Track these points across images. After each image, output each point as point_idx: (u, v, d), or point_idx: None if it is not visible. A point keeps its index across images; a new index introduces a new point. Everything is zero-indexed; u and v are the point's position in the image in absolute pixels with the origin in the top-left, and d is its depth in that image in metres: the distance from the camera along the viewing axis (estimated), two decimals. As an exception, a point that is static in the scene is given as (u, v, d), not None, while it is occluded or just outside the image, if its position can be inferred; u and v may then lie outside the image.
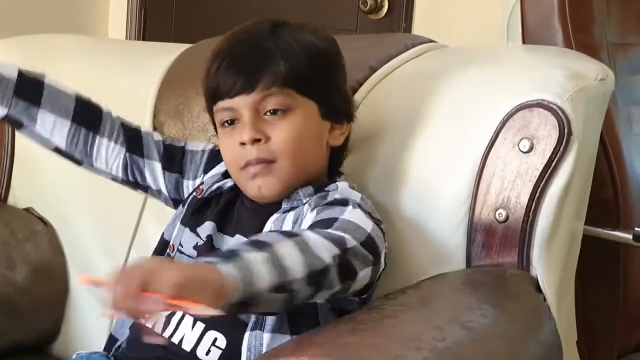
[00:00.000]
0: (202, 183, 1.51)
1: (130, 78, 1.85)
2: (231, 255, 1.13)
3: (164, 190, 1.55)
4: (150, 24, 3.20)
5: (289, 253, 1.16)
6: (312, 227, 1.28)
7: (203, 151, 1.56)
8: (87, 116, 1.53)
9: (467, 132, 1.44)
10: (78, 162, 1.56)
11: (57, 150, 1.53)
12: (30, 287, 1.74)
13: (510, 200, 1.38)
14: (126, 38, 3.16)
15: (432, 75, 1.55)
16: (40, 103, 1.49)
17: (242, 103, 1.38)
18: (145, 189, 1.57)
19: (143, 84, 1.81)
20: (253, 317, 1.33)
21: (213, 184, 1.50)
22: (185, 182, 1.55)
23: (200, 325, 1.37)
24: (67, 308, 1.79)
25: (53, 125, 1.50)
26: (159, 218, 1.65)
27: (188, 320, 1.37)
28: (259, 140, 1.37)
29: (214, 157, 1.54)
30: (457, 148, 1.45)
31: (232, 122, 1.40)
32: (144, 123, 1.78)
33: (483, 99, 1.45)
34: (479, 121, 1.43)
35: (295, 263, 1.16)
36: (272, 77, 1.36)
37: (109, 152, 1.53)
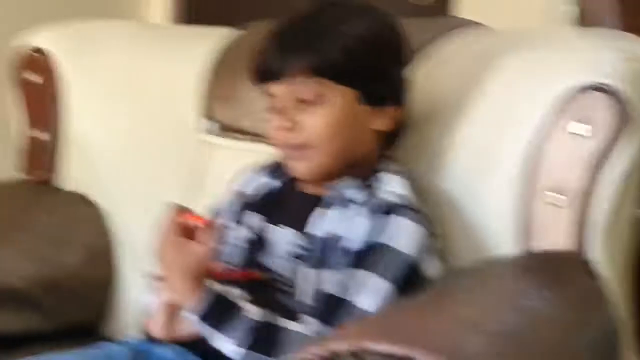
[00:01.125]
0: (242, 193, 1.54)
1: (179, 62, 1.86)
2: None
3: None
4: (194, 7, 3.20)
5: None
6: (350, 260, 1.32)
7: (228, 193, 1.58)
8: None
9: (519, 115, 1.43)
10: None
11: None
12: (81, 269, 1.74)
13: (563, 183, 1.37)
14: (171, 19, 3.16)
15: (481, 57, 1.54)
16: None
17: (277, 90, 1.41)
18: None
19: (194, 68, 1.82)
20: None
21: (254, 187, 1.53)
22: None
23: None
24: (117, 290, 1.80)
25: None
26: (209, 201, 1.66)
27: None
28: (290, 128, 1.39)
29: (240, 179, 1.57)
30: (508, 131, 1.44)
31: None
32: (196, 107, 1.79)
33: (535, 81, 1.44)
34: (531, 104, 1.42)
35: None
36: (306, 67, 1.37)
37: None
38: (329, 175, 1.41)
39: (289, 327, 1.31)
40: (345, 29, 1.40)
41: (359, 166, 1.42)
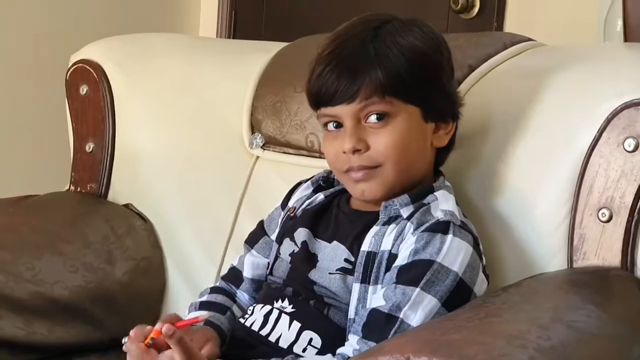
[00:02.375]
0: (291, 207, 1.54)
1: (227, 76, 1.87)
2: None
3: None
4: (240, 22, 3.23)
5: None
6: (398, 276, 1.31)
7: (276, 205, 1.59)
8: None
9: (570, 131, 1.43)
10: None
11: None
12: (129, 282, 1.76)
13: (614, 200, 1.36)
14: (217, 36, 3.19)
15: (533, 74, 1.53)
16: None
17: (343, 112, 1.38)
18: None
19: (240, 82, 1.83)
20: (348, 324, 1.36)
21: (303, 202, 1.53)
22: (272, 236, 1.56)
23: (297, 325, 1.39)
24: (164, 303, 1.82)
25: None
26: (256, 215, 1.67)
27: (285, 319, 1.40)
28: (359, 150, 1.38)
29: (291, 192, 1.57)
30: (559, 147, 1.43)
31: (336, 124, 1.41)
32: (242, 121, 1.80)
33: (586, 97, 1.44)
34: (582, 120, 1.41)
35: None
36: (373, 86, 1.36)
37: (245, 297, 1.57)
38: (393, 195, 1.40)
39: None
40: (405, 43, 1.38)
41: (418, 183, 1.42)
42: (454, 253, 1.32)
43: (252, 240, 1.58)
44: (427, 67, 1.40)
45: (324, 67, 1.39)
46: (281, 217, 1.55)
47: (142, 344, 1.29)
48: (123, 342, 1.33)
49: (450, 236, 1.33)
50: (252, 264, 1.56)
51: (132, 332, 1.32)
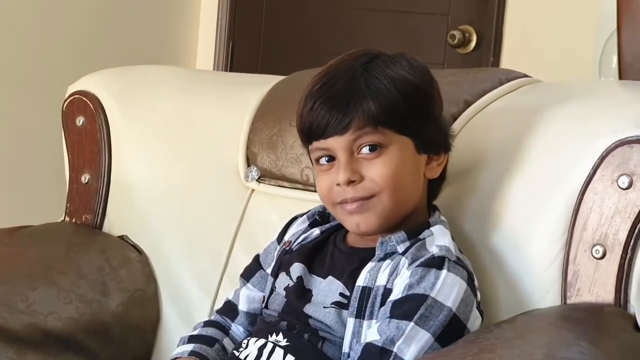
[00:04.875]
0: (286, 242, 1.54)
1: (223, 109, 1.88)
2: None
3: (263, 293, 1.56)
4: (237, 55, 3.24)
5: None
6: (392, 310, 1.31)
7: (272, 240, 1.59)
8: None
9: (564, 168, 1.43)
10: None
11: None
12: (123, 314, 1.75)
13: (608, 237, 1.37)
14: (214, 69, 3.20)
15: (528, 110, 1.54)
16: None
17: (335, 144, 1.39)
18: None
19: (237, 115, 1.83)
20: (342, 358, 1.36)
21: (299, 236, 1.53)
22: (268, 270, 1.56)
23: (290, 358, 1.39)
24: (158, 335, 1.81)
25: None
26: (251, 248, 1.67)
27: (279, 352, 1.40)
28: (354, 181, 1.38)
29: (287, 226, 1.57)
30: (553, 184, 1.44)
31: (328, 159, 1.41)
32: (238, 153, 1.80)
33: (581, 134, 1.44)
34: (576, 157, 1.42)
35: None
36: (365, 117, 1.37)
37: (239, 331, 1.56)
38: (387, 227, 1.40)
39: None
40: (395, 75, 1.39)
41: (411, 215, 1.42)
42: (448, 288, 1.32)
43: (248, 274, 1.58)
44: (419, 98, 1.41)
45: (315, 101, 1.39)
46: (277, 251, 1.55)
47: None
48: None
49: (444, 271, 1.33)
50: (247, 298, 1.55)
51: None
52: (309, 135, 1.42)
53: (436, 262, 1.34)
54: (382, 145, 1.38)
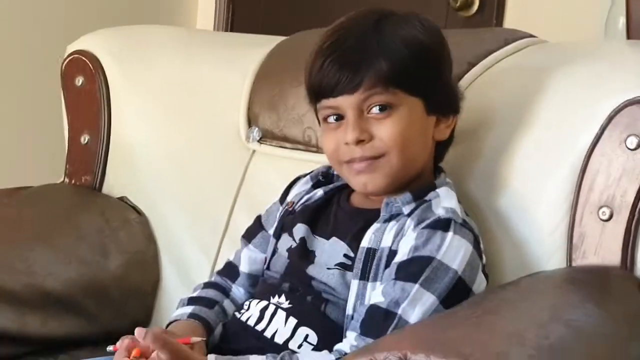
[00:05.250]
0: (289, 202, 1.52)
1: (224, 70, 1.86)
2: None
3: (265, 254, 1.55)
4: (238, 15, 3.21)
5: None
6: (397, 272, 1.30)
7: (274, 200, 1.57)
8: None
9: (571, 129, 1.41)
10: None
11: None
12: (123, 275, 1.75)
13: (615, 198, 1.35)
14: (214, 29, 3.18)
15: (534, 70, 1.52)
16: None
17: (345, 103, 1.37)
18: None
19: (237, 76, 1.81)
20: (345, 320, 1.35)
21: (302, 197, 1.51)
22: (270, 231, 1.54)
23: (293, 321, 1.38)
24: (158, 297, 1.80)
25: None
26: (252, 209, 1.66)
27: (281, 314, 1.39)
28: (363, 141, 1.37)
29: (289, 186, 1.56)
30: (560, 145, 1.42)
31: (336, 117, 1.39)
32: (239, 114, 1.79)
33: (588, 95, 1.42)
34: (583, 117, 1.40)
35: None
36: (376, 77, 1.35)
37: (239, 293, 1.55)
38: (394, 188, 1.39)
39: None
40: (406, 36, 1.38)
41: (417, 177, 1.41)
42: (454, 251, 1.31)
43: (249, 235, 1.57)
44: (430, 59, 1.39)
45: (325, 59, 1.37)
46: (279, 212, 1.54)
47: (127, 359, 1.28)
48: (108, 350, 1.32)
49: (450, 234, 1.32)
50: (249, 259, 1.54)
51: (117, 345, 1.31)
52: (317, 93, 1.40)
53: (442, 224, 1.33)
54: (392, 106, 1.36)
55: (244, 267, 1.54)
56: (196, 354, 1.31)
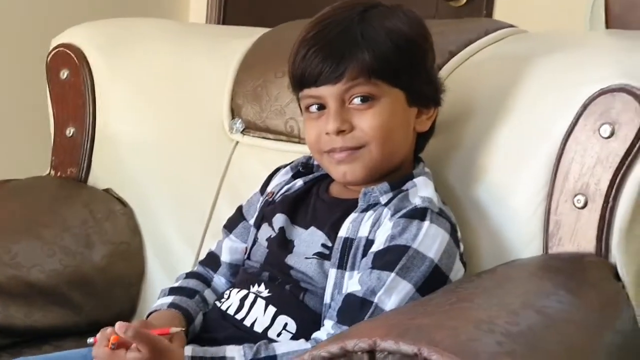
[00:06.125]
0: (269, 192, 1.53)
1: (208, 61, 1.86)
2: None
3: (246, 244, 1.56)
4: (230, 8, 3.22)
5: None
6: (374, 261, 1.31)
7: (255, 191, 1.58)
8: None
9: (547, 118, 1.42)
10: None
11: None
12: (107, 267, 1.76)
13: (590, 186, 1.35)
14: (206, 22, 3.18)
15: (513, 60, 1.53)
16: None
17: (327, 93, 1.38)
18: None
19: (221, 67, 1.82)
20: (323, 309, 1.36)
21: (282, 187, 1.52)
22: (250, 221, 1.55)
23: (272, 309, 1.39)
24: (143, 288, 1.81)
25: None
26: (235, 200, 1.66)
27: (260, 303, 1.40)
28: (344, 131, 1.37)
29: (270, 177, 1.57)
30: (537, 133, 1.43)
31: (318, 107, 1.40)
32: (222, 106, 1.79)
33: (564, 84, 1.43)
34: (559, 106, 1.41)
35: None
36: (358, 68, 1.35)
37: (220, 282, 1.56)
38: (373, 178, 1.40)
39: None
40: (391, 27, 1.38)
41: (397, 168, 1.42)
42: (430, 240, 1.32)
43: (230, 225, 1.58)
44: (413, 51, 1.40)
45: (309, 49, 1.38)
46: (260, 202, 1.55)
47: (107, 348, 1.29)
48: (88, 342, 1.34)
49: (427, 223, 1.32)
50: (230, 249, 1.55)
51: (97, 336, 1.32)
52: (300, 82, 1.40)
53: (418, 214, 1.33)
54: (374, 97, 1.37)
55: (225, 257, 1.55)
56: (174, 346, 1.32)
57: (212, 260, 1.57)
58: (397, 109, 1.39)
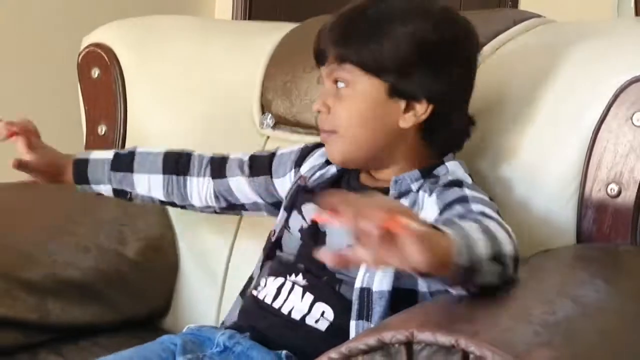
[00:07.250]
0: (301, 176, 1.53)
1: (237, 57, 1.87)
2: (446, 222, 1.15)
3: (257, 199, 1.58)
4: (255, 4, 3.22)
5: (495, 228, 1.17)
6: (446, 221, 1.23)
7: (293, 150, 1.58)
8: (175, 165, 1.61)
9: (578, 107, 1.42)
10: (181, 207, 1.64)
11: (161, 202, 1.64)
12: (141, 263, 1.77)
13: (623, 175, 1.35)
14: (232, 19, 3.19)
15: (542, 50, 1.53)
16: (133, 169, 1.61)
17: (324, 72, 1.43)
18: (243, 207, 1.60)
19: (251, 63, 1.83)
20: (357, 305, 1.33)
21: (315, 172, 1.51)
22: (275, 181, 1.57)
23: (310, 297, 1.39)
24: (177, 283, 1.82)
25: (148, 183, 1.61)
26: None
27: (298, 290, 1.40)
28: (323, 112, 1.41)
29: (308, 151, 1.56)
30: (568, 123, 1.43)
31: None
32: (252, 102, 1.80)
33: (594, 72, 1.43)
34: (590, 95, 1.41)
35: (503, 237, 1.16)
36: (335, 51, 1.38)
37: (200, 187, 1.60)
38: (353, 164, 1.43)
39: None
40: (395, 20, 1.37)
41: (383, 161, 1.41)
42: (477, 194, 1.32)
43: (255, 169, 1.59)
44: (409, 47, 1.36)
45: (322, 30, 1.43)
46: (292, 183, 1.54)
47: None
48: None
49: (465, 189, 1.32)
50: (238, 187, 1.58)
51: None
52: (315, 59, 1.45)
53: (455, 183, 1.34)
54: (347, 83, 1.38)
55: (232, 188, 1.58)
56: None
57: (216, 169, 1.60)
58: (371, 99, 1.37)
